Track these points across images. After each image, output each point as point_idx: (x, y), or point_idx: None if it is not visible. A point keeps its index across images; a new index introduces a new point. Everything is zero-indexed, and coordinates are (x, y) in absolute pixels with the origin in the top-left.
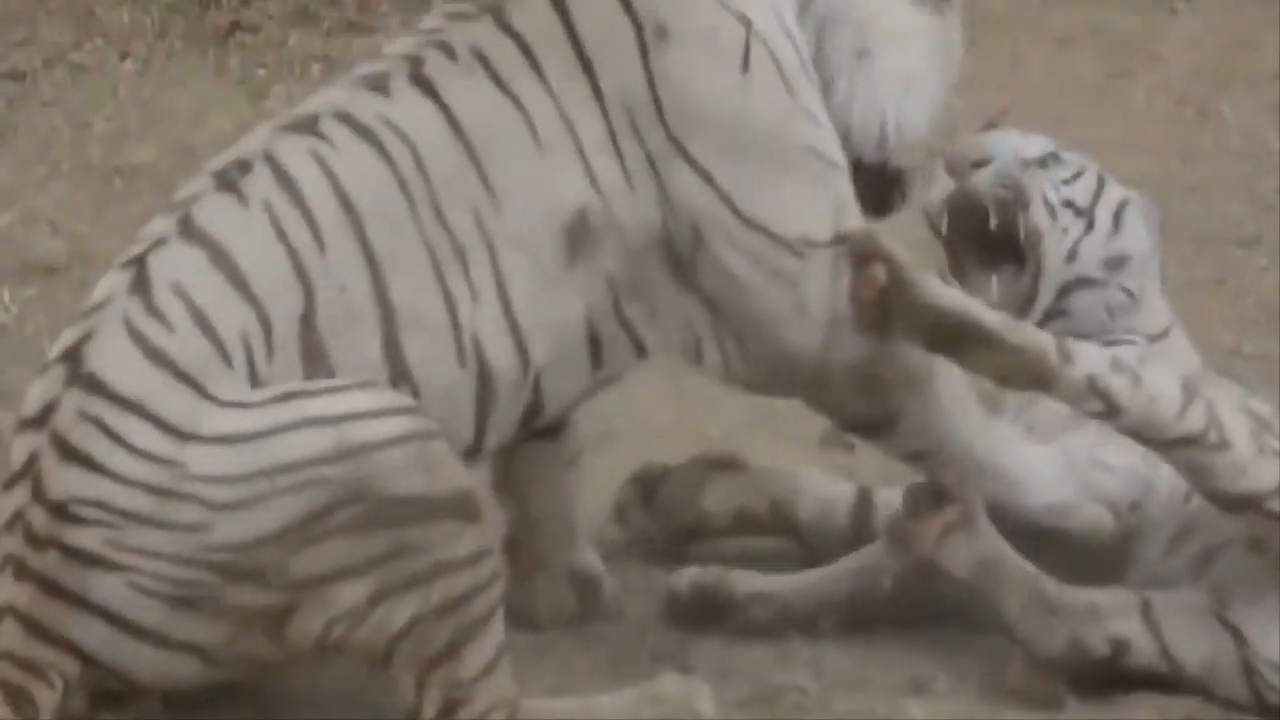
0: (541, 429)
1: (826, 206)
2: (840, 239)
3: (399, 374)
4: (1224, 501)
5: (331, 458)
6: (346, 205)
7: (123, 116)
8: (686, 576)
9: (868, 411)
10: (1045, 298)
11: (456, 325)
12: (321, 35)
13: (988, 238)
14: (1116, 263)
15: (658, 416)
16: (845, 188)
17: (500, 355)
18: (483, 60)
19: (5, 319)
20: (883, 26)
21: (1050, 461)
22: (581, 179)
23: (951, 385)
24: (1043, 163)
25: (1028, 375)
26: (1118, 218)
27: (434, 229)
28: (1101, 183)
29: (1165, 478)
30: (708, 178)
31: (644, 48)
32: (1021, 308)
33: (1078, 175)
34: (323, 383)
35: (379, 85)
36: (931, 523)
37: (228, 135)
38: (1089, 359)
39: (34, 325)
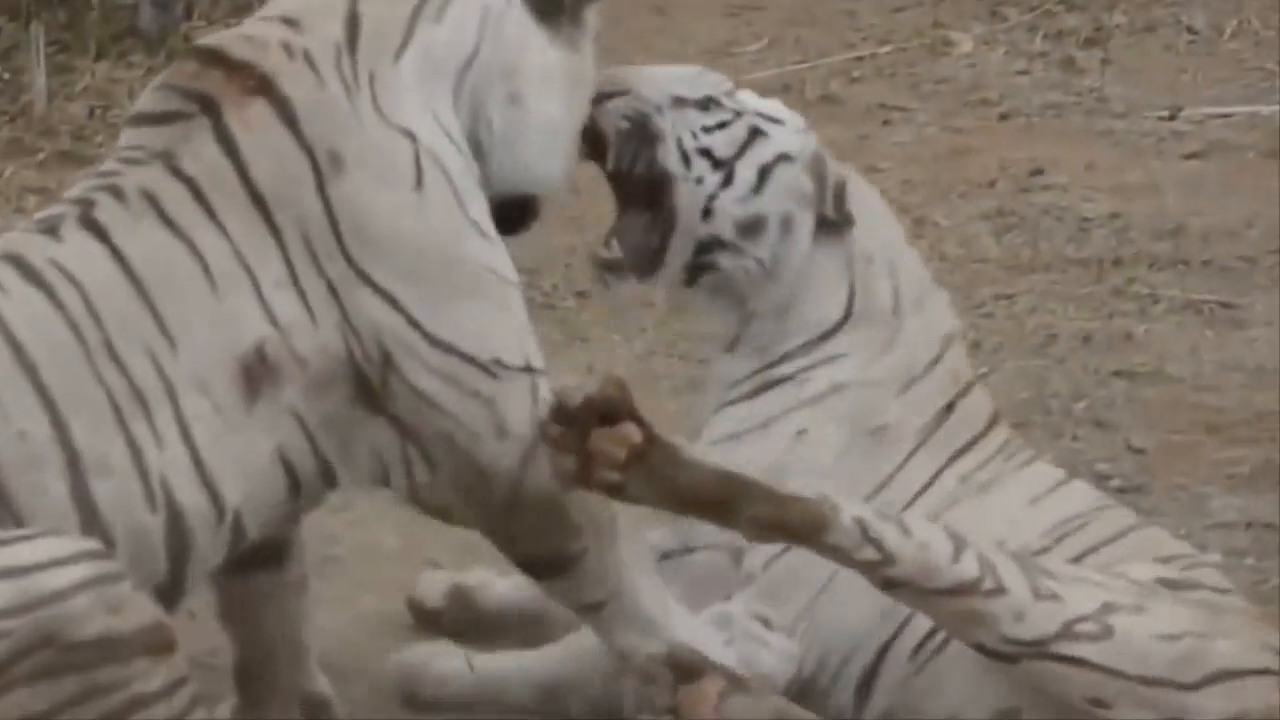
0: (265, 557)
1: (513, 329)
2: (529, 368)
3: (88, 519)
4: (1003, 652)
5: (14, 610)
6: (18, 351)
7: None
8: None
9: (551, 549)
10: (679, 253)
11: (143, 470)
12: (36, 167)
13: (620, 179)
14: (749, 228)
15: (385, 539)
16: (522, 308)
17: (191, 498)
18: (153, 203)
19: None
20: (528, 71)
21: (714, 631)
22: (259, 317)
23: (629, 542)
24: (702, 105)
25: (801, 528)
26: (763, 176)
27: (110, 373)
28: (754, 134)
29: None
30: (393, 301)
31: (319, 177)
32: (644, 259)
33: (723, 124)
34: (3, 534)
35: (50, 229)
36: (704, 692)
37: None
38: (856, 505)
39: None
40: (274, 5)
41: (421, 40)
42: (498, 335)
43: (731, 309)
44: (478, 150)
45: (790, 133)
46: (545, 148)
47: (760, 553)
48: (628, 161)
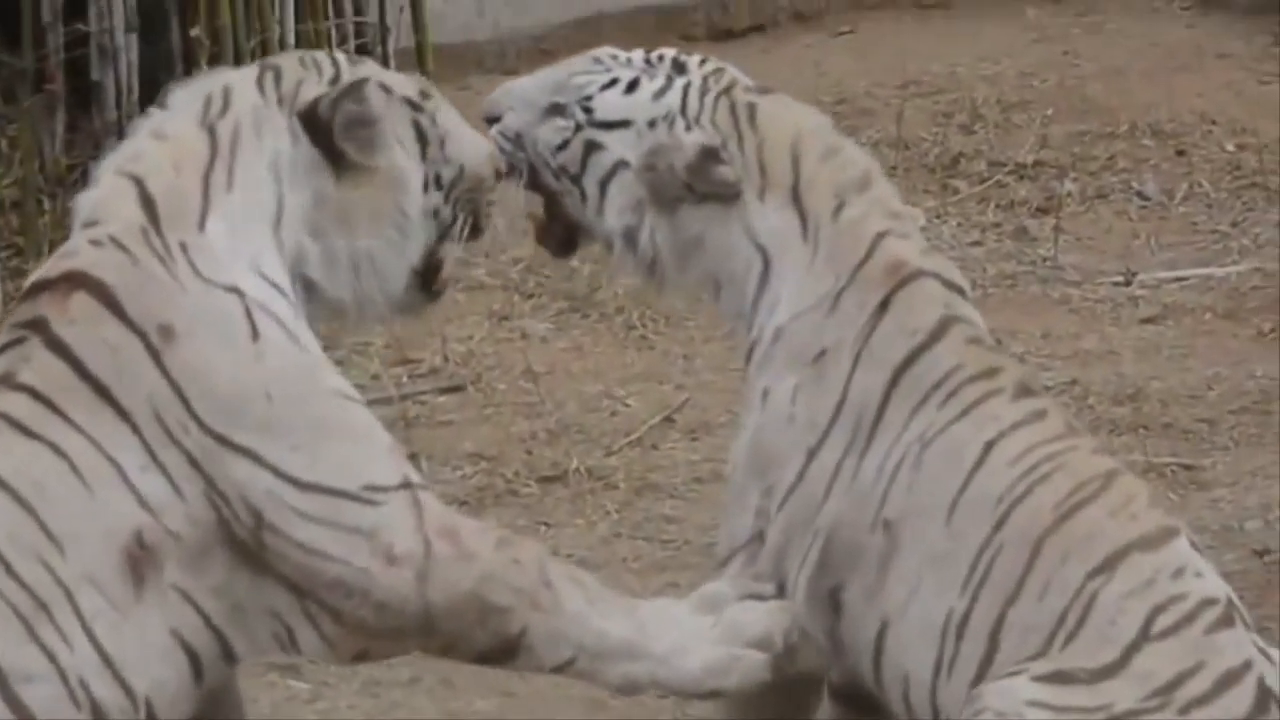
0: None
1: (378, 450)
2: (406, 484)
3: None
4: None
5: None
6: None
7: None
8: None
9: (492, 639)
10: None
11: (61, 672)
12: None
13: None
14: (626, 235)
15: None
16: (379, 426)
17: (107, 693)
18: (7, 419)
19: None
20: (325, 205)
21: (695, 619)
22: (131, 504)
23: (568, 584)
24: (551, 114)
25: None
26: (604, 192)
27: (10, 586)
28: (589, 149)
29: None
30: (254, 457)
31: (154, 352)
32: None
33: (565, 143)
34: None
35: None
36: None
37: None
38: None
39: None
40: (76, 221)
41: (219, 207)
42: (365, 461)
43: (694, 296)
44: (310, 287)
45: (630, 139)
46: (358, 273)
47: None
48: (524, 181)
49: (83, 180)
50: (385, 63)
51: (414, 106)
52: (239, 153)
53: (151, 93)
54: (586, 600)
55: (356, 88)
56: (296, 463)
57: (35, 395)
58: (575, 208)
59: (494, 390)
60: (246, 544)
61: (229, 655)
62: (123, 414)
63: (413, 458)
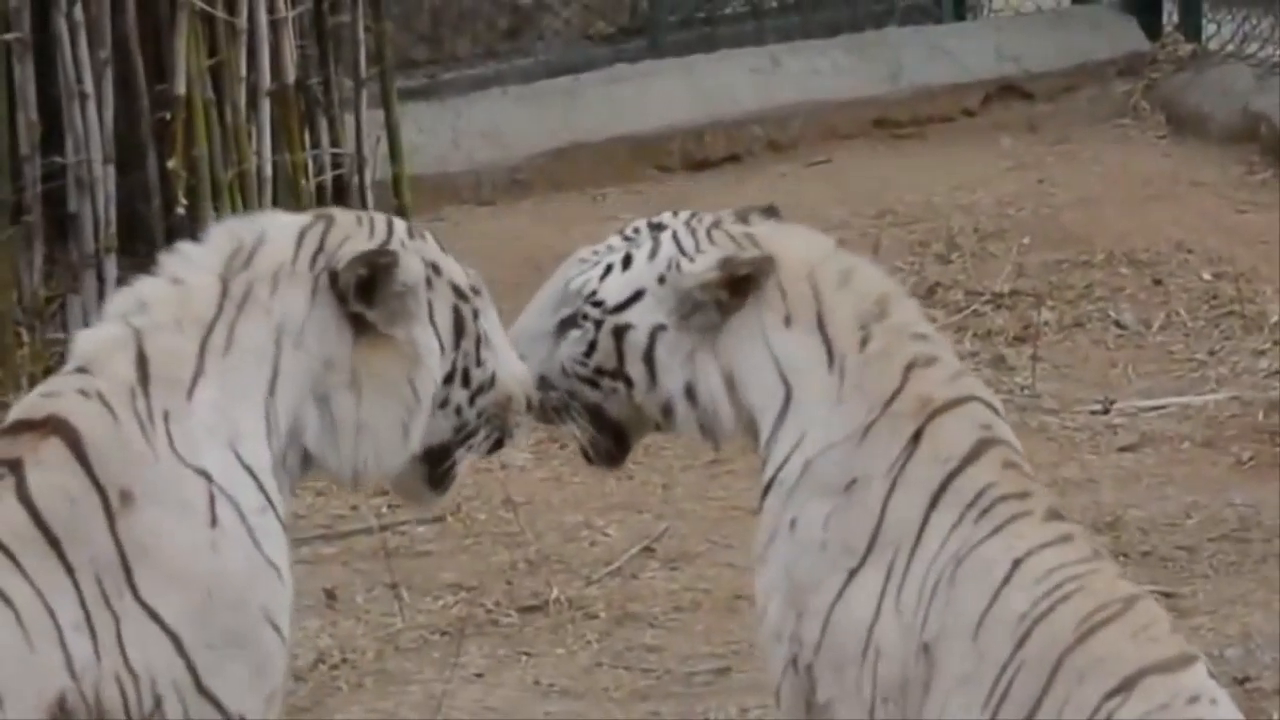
0: None
1: (264, 696)
2: None
3: None
4: None
5: None
6: None
7: None
8: None
9: None
10: (639, 437)
11: None
12: None
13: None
14: (668, 410)
15: None
16: (280, 672)
17: None
18: None
19: None
20: (336, 371)
21: None
22: (60, 664)
23: None
24: (564, 330)
25: None
26: (651, 365)
27: None
28: (619, 335)
29: None
30: (177, 643)
31: (110, 514)
32: (613, 459)
33: (592, 344)
34: None
35: None
36: None
37: None
38: None
39: None
40: (70, 359)
41: (213, 373)
42: (252, 698)
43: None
44: (306, 459)
45: (651, 304)
46: (358, 443)
47: None
48: (565, 421)
49: (61, 312)
50: (362, 194)
51: (460, 294)
52: (245, 314)
53: (129, 223)
54: None
55: (383, 253)
56: (206, 663)
57: None
58: (621, 404)
59: (474, 520)
60: None
61: None
62: (68, 569)
63: (393, 588)
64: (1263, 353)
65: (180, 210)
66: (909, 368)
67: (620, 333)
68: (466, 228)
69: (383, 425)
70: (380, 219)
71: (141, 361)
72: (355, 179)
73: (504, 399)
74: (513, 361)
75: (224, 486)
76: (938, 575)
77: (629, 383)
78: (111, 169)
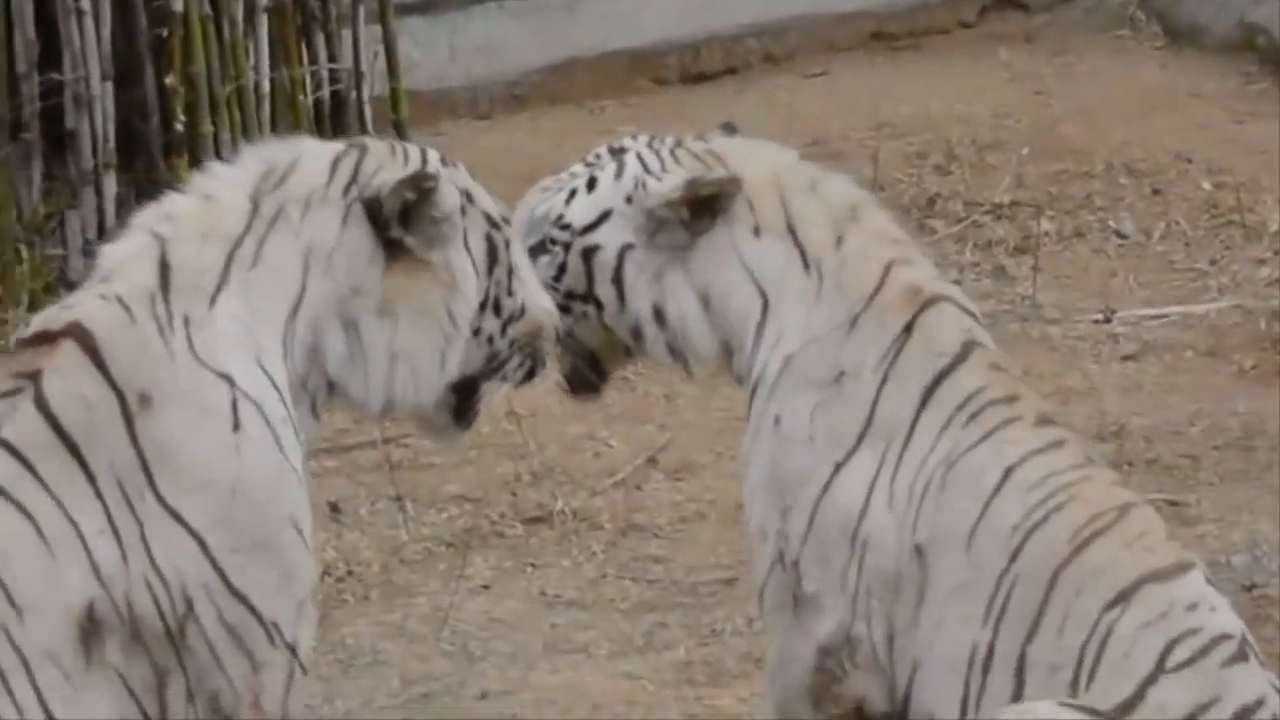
0: None
1: (295, 602)
2: (294, 650)
3: None
4: None
5: None
6: None
7: None
8: None
9: None
10: (616, 363)
11: None
12: None
13: None
14: (637, 332)
15: None
16: (308, 583)
17: None
18: None
19: None
20: (366, 297)
21: None
22: (86, 572)
23: None
24: (538, 252)
25: None
26: (620, 285)
27: None
28: (588, 256)
29: None
30: (201, 544)
31: (128, 419)
32: (588, 385)
33: (563, 267)
34: None
35: None
36: None
37: None
38: None
39: None
40: (96, 268)
41: (237, 285)
42: (283, 602)
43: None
44: (330, 385)
45: (619, 225)
46: (391, 371)
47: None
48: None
49: (60, 228)
50: (360, 109)
51: (492, 222)
52: (274, 233)
53: (127, 140)
54: None
55: (424, 177)
56: (233, 564)
57: (12, 452)
58: (593, 329)
59: (477, 432)
60: (170, 632)
61: None
62: (89, 475)
63: (397, 500)
64: (1263, 262)
65: (178, 127)
66: (889, 265)
67: (589, 254)
68: (464, 143)
69: (420, 352)
70: (413, 149)
71: (163, 269)
72: (353, 94)
73: (534, 328)
74: (540, 291)
75: (248, 392)
76: (928, 477)
77: (599, 305)
78: (109, 85)
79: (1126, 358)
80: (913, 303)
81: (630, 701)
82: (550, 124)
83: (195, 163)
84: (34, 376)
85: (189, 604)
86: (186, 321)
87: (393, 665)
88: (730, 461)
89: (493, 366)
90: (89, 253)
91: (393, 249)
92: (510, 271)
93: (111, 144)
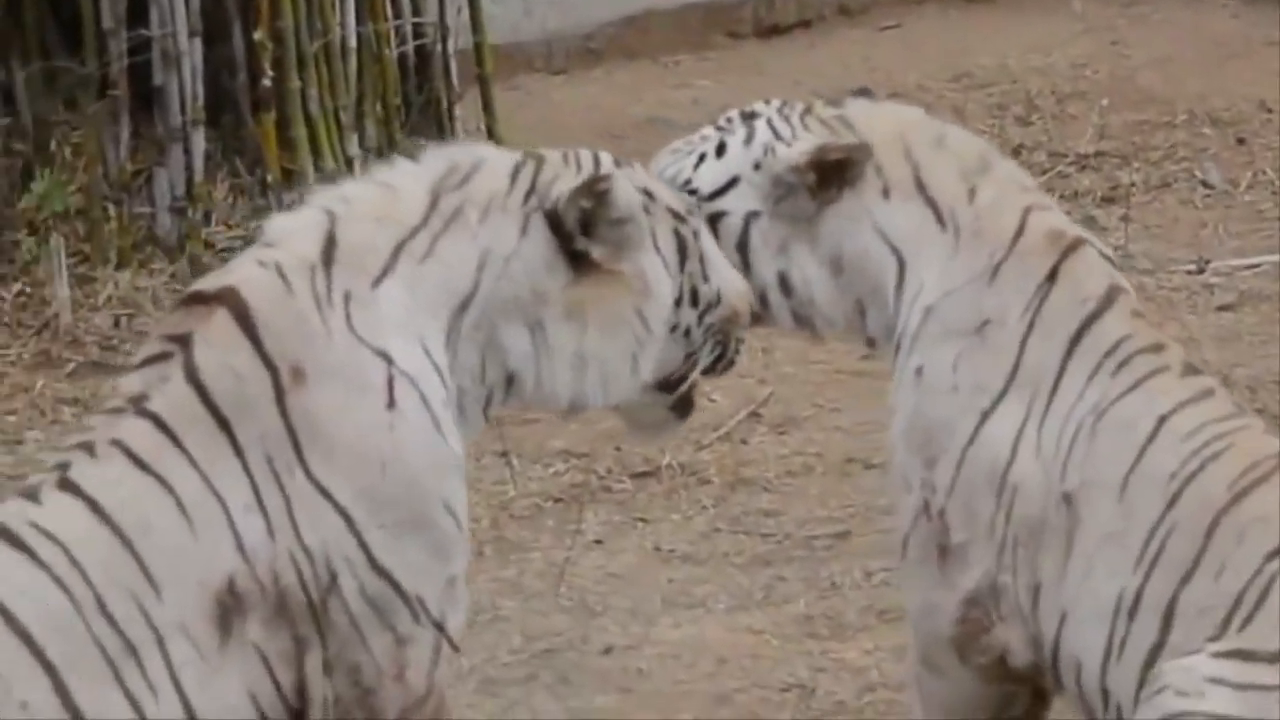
0: None
1: (444, 580)
2: (441, 627)
3: None
4: None
5: None
6: (8, 618)
7: None
8: None
9: None
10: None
11: None
12: (66, 378)
13: None
14: (763, 298)
15: None
16: (461, 565)
17: None
18: (123, 449)
19: None
20: (550, 301)
21: None
22: (229, 546)
23: None
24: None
25: None
26: (744, 249)
27: (102, 627)
28: (713, 223)
29: None
30: (348, 521)
31: (279, 393)
32: None
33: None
34: None
35: (31, 494)
36: None
37: None
38: None
39: None
40: (260, 235)
41: (404, 274)
42: (430, 580)
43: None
44: (509, 378)
45: (746, 191)
46: (578, 372)
47: None
48: None
49: (148, 186)
50: (445, 64)
51: (678, 217)
52: (450, 231)
53: (215, 96)
54: None
55: (597, 180)
56: (378, 541)
57: (159, 424)
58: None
59: None
60: (314, 604)
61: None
62: (237, 449)
63: (504, 456)
64: None
65: (266, 82)
66: (1026, 211)
67: (715, 220)
68: (540, 97)
69: (609, 357)
70: (585, 154)
71: (329, 243)
72: (438, 49)
73: (730, 313)
74: (732, 275)
75: (408, 372)
76: (1076, 425)
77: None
78: (198, 42)
79: (1223, 308)
80: (1055, 248)
81: (754, 655)
82: (625, 78)
83: (282, 118)
84: (184, 341)
85: (333, 578)
86: (347, 298)
87: (513, 621)
88: (831, 414)
89: (690, 356)
90: (176, 210)
91: (579, 259)
92: (703, 260)
93: (199, 100)
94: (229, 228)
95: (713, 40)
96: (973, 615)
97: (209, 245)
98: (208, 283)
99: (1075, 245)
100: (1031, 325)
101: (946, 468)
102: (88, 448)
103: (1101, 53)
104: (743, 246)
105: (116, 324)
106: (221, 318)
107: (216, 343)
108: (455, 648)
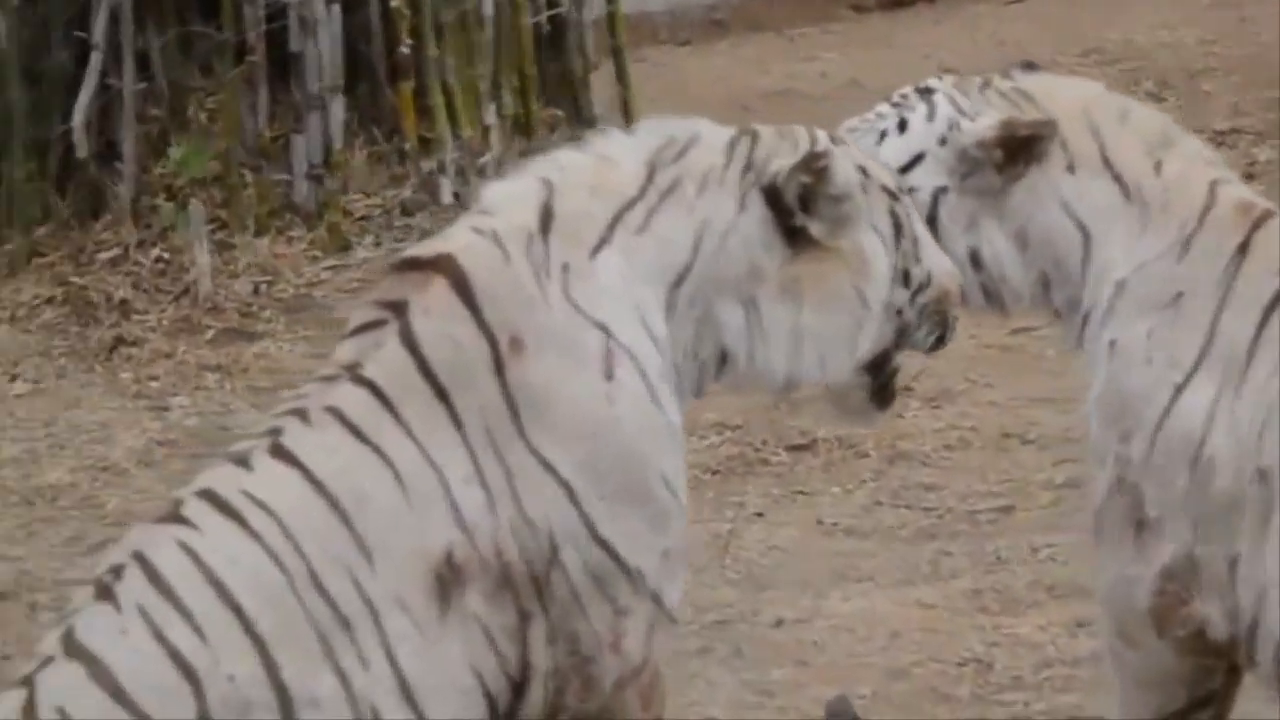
0: None
1: (661, 552)
2: (659, 600)
3: None
4: None
5: None
6: (220, 590)
7: (29, 438)
8: None
9: None
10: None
11: (352, 699)
12: (206, 344)
13: None
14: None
15: None
16: (680, 537)
17: None
18: (339, 417)
19: None
20: (766, 278)
21: None
22: (447, 518)
23: None
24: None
25: None
26: (931, 226)
27: (314, 601)
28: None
29: None
30: (570, 493)
31: (498, 363)
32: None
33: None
34: None
35: (241, 460)
36: None
37: (139, 450)
38: None
39: None
40: (474, 203)
41: (621, 245)
42: (648, 551)
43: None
44: (722, 355)
45: (932, 166)
46: (794, 350)
47: None
48: None
49: (285, 152)
50: (580, 32)
51: (892, 195)
52: (667, 204)
53: (352, 63)
54: None
55: (816, 157)
56: (599, 513)
57: (375, 393)
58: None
59: None
60: (534, 578)
61: (518, 697)
62: (456, 420)
63: None
64: None
65: (403, 50)
66: (1214, 184)
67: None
68: (667, 68)
69: (827, 334)
70: (800, 131)
71: (546, 213)
72: (574, 18)
73: (941, 294)
74: (942, 255)
75: (625, 344)
76: (1272, 398)
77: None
78: (335, 9)
79: None
80: (1245, 220)
81: (927, 629)
82: (751, 50)
83: (420, 86)
84: (399, 309)
85: (555, 550)
86: (565, 268)
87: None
88: (984, 389)
89: (902, 338)
90: (314, 177)
91: (797, 236)
92: (914, 241)
93: (337, 68)
94: (366, 195)
95: (837, 13)
96: (1170, 588)
97: (347, 213)
98: (423, 249)
99: (1265, 217)
100: (1224, 298)
101: (1141, 441)
102: (301, 414)
103: (1230, 29)
104: (931, 223)
105: (256, 290)
106: (440, 286)
107: (435, 311)
108: (673, 619)
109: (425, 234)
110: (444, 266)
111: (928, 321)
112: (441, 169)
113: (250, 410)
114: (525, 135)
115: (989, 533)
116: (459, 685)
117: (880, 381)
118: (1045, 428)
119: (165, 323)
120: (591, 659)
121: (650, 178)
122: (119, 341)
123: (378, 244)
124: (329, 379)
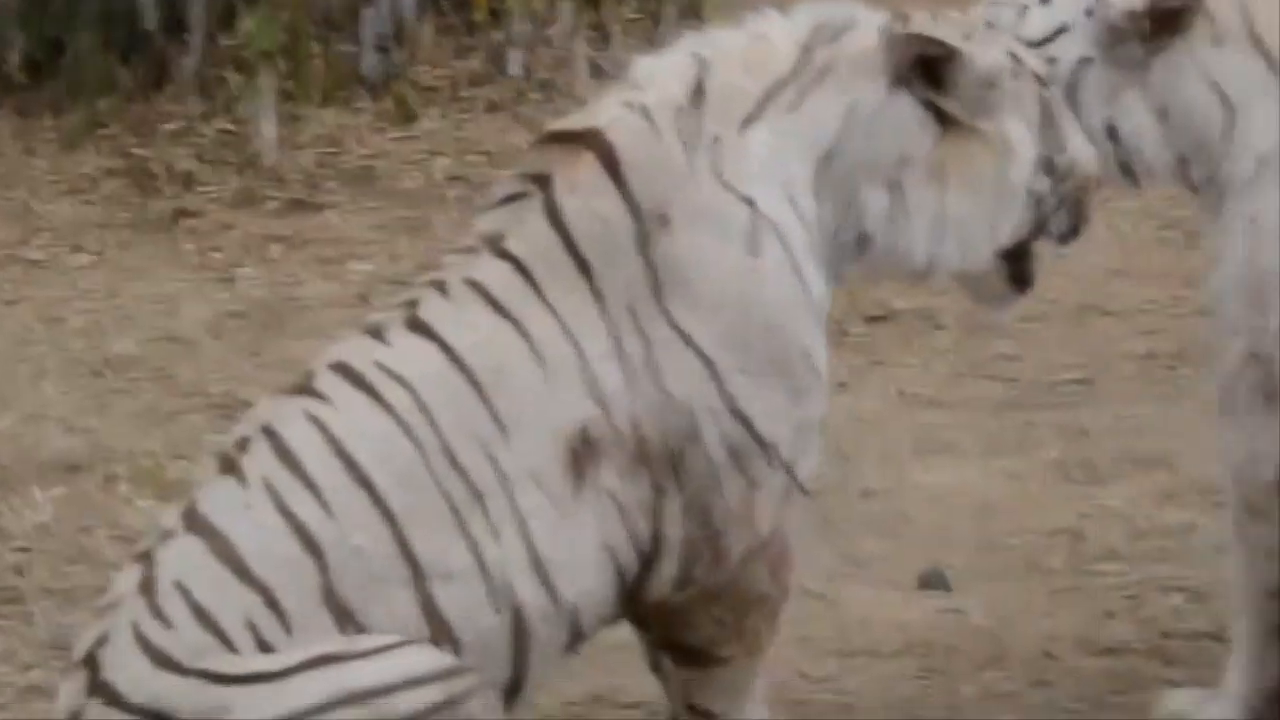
0: None
1: (797, 426)
2: (792, 472)
3: (437, 628)
4: None
5: None
6: (350, 464)
7: (95, 310)
8: None
9: (705, 641)
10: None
11: (485, 571)
12: (269, 215)
13: None
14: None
15: None
16: (818, 409)
17: (531, 595)
18: (478, 289)
19: (44, 519)
20: (911, 161)
21: None
22: (583, 393)
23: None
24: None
25: None
26: (1073, 98)
27: (447, 474)
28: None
29: None
30: (710, 367)
31: (644, 238)
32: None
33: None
34: (352, 647)
35: (376, 332)
36: None
37: (207, 322)
38: None
39: (73, 523)
40: (628, 77)
41: (772, 121)
42: (785, 424)
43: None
44: (862, 239)
45: (1076, 37)
46: (936, 234)
47: None
48: None
49: (354, 24)
50: None
51: (1041, 82)
52: (821, 85)
53: None
54: (759, 700)
55: (939, 43)
56: (739, 387)
57: (518, 267)
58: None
59: None
60: (673, 453)
61: (647, 572)
62: (597, 294)
63: None
64: None
65: None
66: None
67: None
68: None
69: (970, 219)
70: (959, 17)
71: (698, 88)
72: None
73: (1082, 182)
74: (1085, 143)
75: (771, 219)
76: None
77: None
78: None
79: None
80: None
81: (1015, 500)
82: None
83: None
84: (544, 182)
85: (694, 425)
86: (715, 141)
87: None
88: (1058, 262)
89: (1041, 226)
90: (382, 49)
91: (944, 119)
92: (1061, 129)
93: None
94: (434, 67)
95: None
96: None
97: (414, 84)
98: (570, 122)
99: None
100: None
101: (1277, 314)
102: (439, 286)
103: None
104: (1071, 95)
105: (320, 163)
106: (587, 160)
107: (582, 185)
108: (805, 491)
109: (492, 105)
110: (592, 141)
111: (1066, 211)
112: (509, 41)
113: (318, 281)
114: (594, 7)
115: (1072, 404)
116: (591, 560)
117: (1019, 266)
118: (1124, 300)
119: (228, 195)
120: (722, 531)
121: (804, 58)
122: (181, 213)
123: (443, 116)
124: (468, 250)
